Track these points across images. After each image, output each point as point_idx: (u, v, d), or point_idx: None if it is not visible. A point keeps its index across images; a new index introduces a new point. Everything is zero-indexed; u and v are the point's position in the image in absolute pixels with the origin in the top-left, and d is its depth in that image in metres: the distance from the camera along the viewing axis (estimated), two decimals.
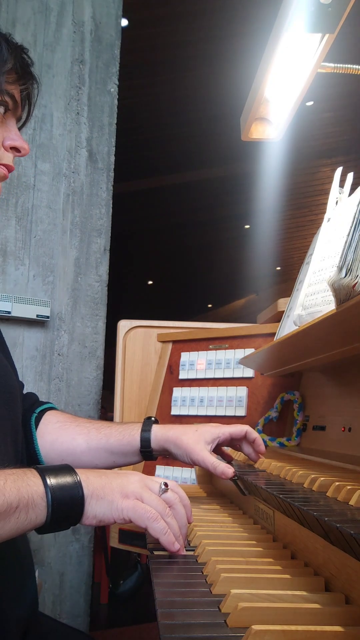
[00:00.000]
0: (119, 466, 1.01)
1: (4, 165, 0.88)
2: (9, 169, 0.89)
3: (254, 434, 0.99)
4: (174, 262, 11.82)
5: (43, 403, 1.05)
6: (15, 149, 0.89)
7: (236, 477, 0.92)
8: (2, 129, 0.86)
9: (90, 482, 0.69)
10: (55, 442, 0.98)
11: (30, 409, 1.02)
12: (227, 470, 0.91)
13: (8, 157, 0.88)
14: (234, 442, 1.02)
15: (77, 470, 0.70)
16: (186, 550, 0.74)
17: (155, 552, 0.72)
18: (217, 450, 1.03)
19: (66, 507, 0.66)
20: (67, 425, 1.00)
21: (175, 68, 5.59)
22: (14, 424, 0.89)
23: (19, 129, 0.91)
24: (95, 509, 0.68)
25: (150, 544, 0.74)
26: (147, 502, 0.70)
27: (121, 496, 0.69)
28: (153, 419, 1.01)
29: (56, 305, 2.19)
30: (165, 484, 0.74)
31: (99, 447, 0.97)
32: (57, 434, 0.99)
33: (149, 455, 0.97)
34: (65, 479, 0.67)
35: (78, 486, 0.67)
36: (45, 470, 0.68)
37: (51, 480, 0.66)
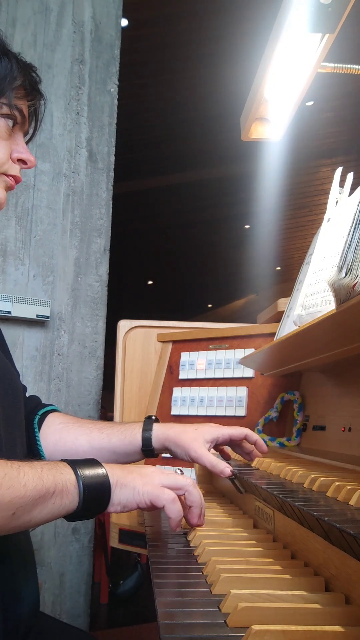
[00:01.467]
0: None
1: (11, 176, 0.91)
2: (16, 180, 0.93)
3: (254, 436, 1.01)
4: (174, 262, 11.82)
5: (46, 405, 1.07)
6: (22, 161, 0.92)
7: (234, 477, 0.93)
8: (10, 141, 0.90)
9: (115, 472, 0.75)
10: (58, 442, 1.01)
11: (33, 411, 1.04)
12: (226, 469, 0.93)
13: (15, 169, 0.92)
14: (233, 443, 1.03)
15: (102, 463, 0.75)
16: (186, 546, 0.76)
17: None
18: (216, 449, 1.04)
19: (96, 494, 0.72)
20: (69, 426, 1.02)
21: (175, 68, 5.59)
22: (20, 426, 0.91)
23: (27, 142, 0.95)
24: (120, 496, 0.74)
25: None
26: (167, 484, 0.76)
27: (142, 483, 0.75)
28: (154, 417, 1.03)
29: (56, 305, 2.19)
30: (180, 470, 0.79)
31: (102, 447, 0.99)
32: (59, 435, 1.01)
33: (151, 454, 1.00)
34: (94, 470, 0.73)
35: (105, 476, 0.73)
36: (74, 462, 0.73)
37: (82, 471, 0.72)
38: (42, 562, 2.08)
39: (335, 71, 1.09)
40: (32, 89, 0.91)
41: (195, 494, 0.78)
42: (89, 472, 0.72)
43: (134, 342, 1.71)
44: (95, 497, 0.71)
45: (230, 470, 0.93)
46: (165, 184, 8.17)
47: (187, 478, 0.79)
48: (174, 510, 0.75)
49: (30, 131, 0.97)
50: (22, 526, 0.66)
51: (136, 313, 1.92)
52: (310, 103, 6.27)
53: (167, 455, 1.07)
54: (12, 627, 0.76)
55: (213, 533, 0.80)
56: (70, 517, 0.72)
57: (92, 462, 0.75)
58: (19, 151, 0.91)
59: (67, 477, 0.70)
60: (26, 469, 0.67)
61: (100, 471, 0.73)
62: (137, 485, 0.74)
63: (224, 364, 1.53)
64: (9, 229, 2.14)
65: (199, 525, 0.81)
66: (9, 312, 2.05)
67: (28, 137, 0.97)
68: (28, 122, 0.94)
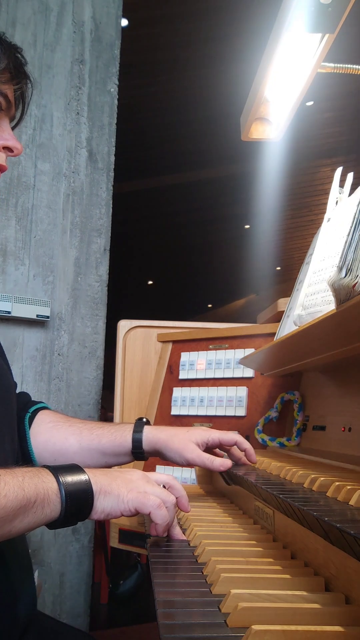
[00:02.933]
0: (111, 466, 1.03)
1: None
2: (2, 168, 0.89)
3: (245, 444, 1.01)
4: (174, 262, 11.82)
5: (36, 403, 1.06)
6: (8, 149, 0.89)
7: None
8: None
9: (98, 479, 0.73)
10: (48, 442, 0.99)
11: (24, 408, 1.03)
12: (226, 462, 0.94)
13: (1, 157, 0.88)
14: (222, 449, 1.04)
15: (85, 469, 0.73)
16: (186, 546, 0.76)
17: (153, 537, 0.79)
18: (207, 452, 1.05)
19: (78, 502, 0.70)
20: (59, 425, 1.01)
21: (175, 68, 5.59)
22: (11, 422, 0.90)
23: (14, 128, 0.91)
24: (104, 504, 0.72)
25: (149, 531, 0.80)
26: (150, 493, 0.74)
27: (127, 490, 0.73)
28: (145, 419, 1.03)
29: (56, 305, 2.19)
30: (164, 486, 0.80)
31: (91, 448, 0.98)
32: (50, 434, 1.00)
33: (141, 456, 0.99)
34: (76, 477, 0.71)
35: (88, 483, 0.71)
36: (57, 469, 0.71)
37: (64, 478, 0.70)
38: (42, 562, 2.08)
39: (335, 71, 1.09)
40: (17, 72, 0.87)
41: (172, 512, 0.76)
42: (71, 479, 0.70)
43: (134, 342, 1.70)
44: (77, 506, 0.70)
45: (231, 463, 0.95)
46: (166, 184, 8.17)
47: (170, 495, 0.77)
48: (160, 516, 0.73)
49: (17, 116, 0.92)
50: (2, 536, 0.65)
51: (136, 313, 1.92)
52: (310, 103, 6.27)
53: None
54: (8, 627, 0.76)
55: (213, 533, 0.80)
56: (52, 525, 0.70)
57: (75, 469, 0.73)
58: (4, 138, 0.87)
59: (48, 486, 0.68)
60: (7, 478, 0.65)
61: (82, 478, 0.71)
62: (121, 493, 0.73)
63: (224, 364, 1.53)
64: (9, 229, 2.14)
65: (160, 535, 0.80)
66: (9, 312, 2.05)
67: (15, 122, 0.93)
68: (14, 106, 0.89)
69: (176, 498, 0.79)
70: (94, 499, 0.71)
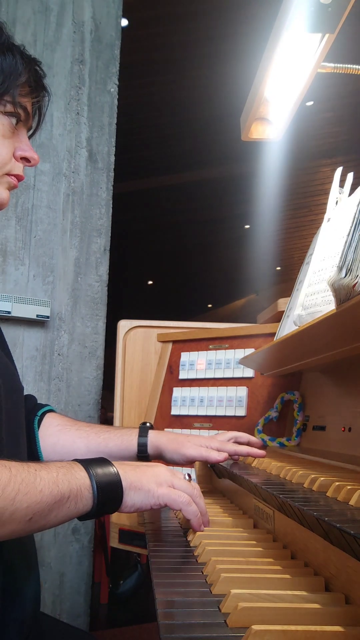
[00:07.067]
0: None
1: (14, 175, 0.90)
2: (19, 178, 0.92)
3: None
4: (174, 262, 11.82)
5: (43, 405, 1.09)
6: (25, 159, 0.91)
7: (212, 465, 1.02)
8: (14, 139, 0.89)
9: (127, 474, 0.75)
10: (56, 444, 1.03)
11: (32, 411, 1.06)
12: (222, 452, 1.01)
13: (19, 168, 0.90)
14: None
15: (114, 463, 0.76)
16: (186, 546, 0.78)
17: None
18: None
19: (109, 497, 0.72)
20: (67, 428, 1.05)
21: (175, 68, 5.58)
22: (23, 425, 0.93)
23: (29, 137, 0.94)
24: (134, 499, 0.74)
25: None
26: (178, 487, 0.77)
27: (156, 485, 0.76)
28: (148, 424, 1.08)
29: (56, 305, 2.19)
30: (189, 475, 0.84)
31: (98, 451, 1.02)
32: (57, 437, 1.03)
33: (145, 459, 1.05)
34: (108, 471, 0.73)
35: (118, 478, 0.74)
36: (88, 464, 0.73)
37: (96, 473, 0.72)
38: (42, 562, 2.08)
39: (335, 71, 1.09)
40: (36, 86, 0.90)
41: (200, 504, 0.80)
42: (104, 475, 0.72)
43: (134, 342, 1.70)
44: (108, 500, 0.72)
45: (227, 455, 1.02)
46: (166, 184, 8.17)
47: (195, 487, 0.80)
48: (191, 512, 0.76)
49: (34, 126, 0.96)
50: (38, 529, 0.67)
51: (136, 313, 1.92)
52: (310, 103, 6.27)
53: None
54: (13, 626, 0.76)
55: (213, 533, 0.80)
56: (83, 517, 0.72)
57: (105, 463, 0.75)
58: (22, 149, 0.89)
59: (81, 482, 0.70)
60: (42, 474, 0.67)
61: (113, 473, 0.73)
62: (152, 488, 0.75)
63: (224, 364, 1.53)
64: (9, 229, 2.14)
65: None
66: (9, 312, 2.05)
67: (31, 132, 0.96)
68: (32, 118, 0.93)
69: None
70: (124, 493, 0.74)
